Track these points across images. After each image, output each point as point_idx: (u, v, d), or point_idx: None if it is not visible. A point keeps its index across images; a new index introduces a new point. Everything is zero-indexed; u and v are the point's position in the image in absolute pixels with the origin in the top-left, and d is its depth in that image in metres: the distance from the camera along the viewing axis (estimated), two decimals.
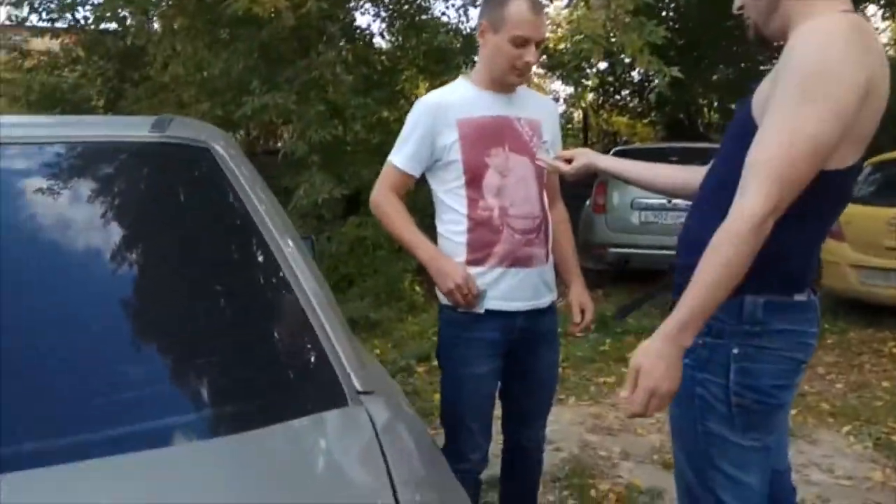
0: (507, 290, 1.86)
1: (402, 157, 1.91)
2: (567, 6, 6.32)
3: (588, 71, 7.66)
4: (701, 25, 9.69)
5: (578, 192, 7.89)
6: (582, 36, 5.12)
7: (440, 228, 1.92)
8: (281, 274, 0.96)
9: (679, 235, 1.43)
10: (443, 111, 1.85)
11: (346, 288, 5.77)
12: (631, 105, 13.40)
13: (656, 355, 1.22)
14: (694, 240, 1.30)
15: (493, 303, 1.85)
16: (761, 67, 11.58)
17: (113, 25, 6.65)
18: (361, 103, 5.55)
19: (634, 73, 11.41)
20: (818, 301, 1.40)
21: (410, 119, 1.90)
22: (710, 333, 1.32)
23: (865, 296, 5.44)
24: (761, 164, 1.18)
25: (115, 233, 1.01)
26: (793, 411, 3.63)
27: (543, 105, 2.00)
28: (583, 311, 2.01)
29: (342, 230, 5.73)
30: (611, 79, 12.26)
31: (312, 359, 0.89)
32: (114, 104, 6.62)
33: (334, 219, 5.96)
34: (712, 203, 1.30)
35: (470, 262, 1.85)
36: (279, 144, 7.06)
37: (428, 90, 4.21)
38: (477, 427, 1.91)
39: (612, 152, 7.68)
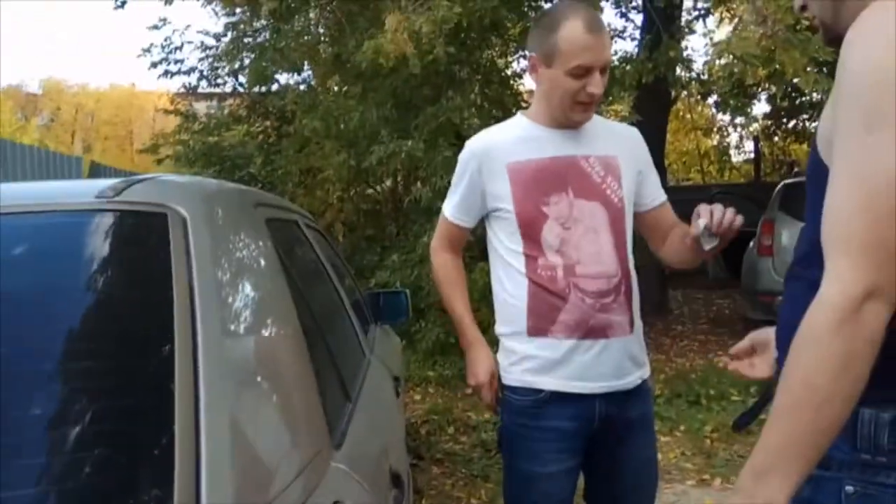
0: (580, 369, 1.52)
1: (450, 206, 1.69)
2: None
3: (755, 96, 6.92)
4: None
5: (743, 234, 7.09)
6: (732, 58, 4.55)
7: (497, 289, 1.64)
8: (162, 370, 0.76)
9: (778, 324, 1.03)
10: (491, 155, 1.59)
11: None
12: (811, 131, 11.99)
13: None
14: (784, 326, 0.91)
15: (563, 383, 1.52)
16: None
17: (274, 86, 7.23)
18: None
19: (814, 94, 10.20)
20: None
21: (459, 164, 1.66)
22: None
23: None
24: (834, 229, 0.81)
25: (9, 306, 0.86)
26: None
27: (620, 136, 1.66)
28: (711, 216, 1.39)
29: (473, 276, 5.54)
30: (785, 103, 11.07)
31: (154, 480, 0.66)
32: (271, 160, 7.07)
33: (471, 263, 5.81)
34: (801, 275, 0.92)
35: (532, 333, 1.55)
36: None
37: None
38: None
39: (780, 186, 6.83)
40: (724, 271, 8.29)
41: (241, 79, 7.12)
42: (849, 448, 0.88)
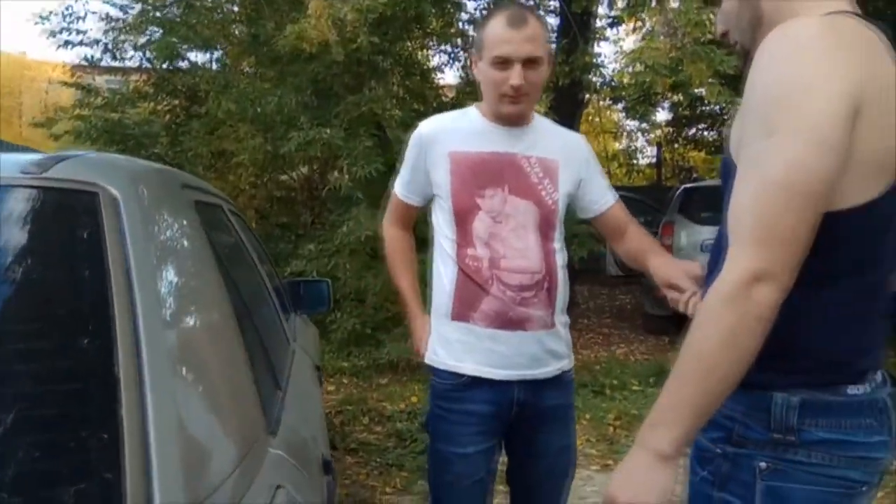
0: (497, 356, 1.58)
1: (399, 183, 1.74)
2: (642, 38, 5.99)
3: (660, 104, 7.31)
4: None
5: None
6: (642, 67, 4.79)
7: (434, 273, 1.67)
8: (104, 356, 0.73)
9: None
10: (437, 141, 1.63)
11: (393, 327, 5.56)
12: (708, 139, 12.76)
13: (626, 466, 0.98)
14: None
15: (481, 369, 1.58)
16: None
17: (185, 64, 6.89)
18: None
19: (715, 105, 10.87)
20: (893, 394, 1.05)
21: (409, 144, 1.70)
22: (730, 441, 1.01)
23: None
24: (736, 220, 0.92)
25: None
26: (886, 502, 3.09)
27: (566, 142, 1.72)
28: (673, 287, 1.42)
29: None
30: (687, 112, 11.72)
31: (103, 468, 0.64)
32: (179, 140, 6.76)
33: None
34: (711, 268, 1.02)
35: (455, 317, 1.61)
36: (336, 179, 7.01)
37: None
38: None
39: (679, 190, 7.23)
40: (619, 270, 8.69)
41: (149, 54, 6.75)
42: (762, 429, 0.98)
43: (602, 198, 1.72)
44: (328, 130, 5.24)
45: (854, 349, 1.00)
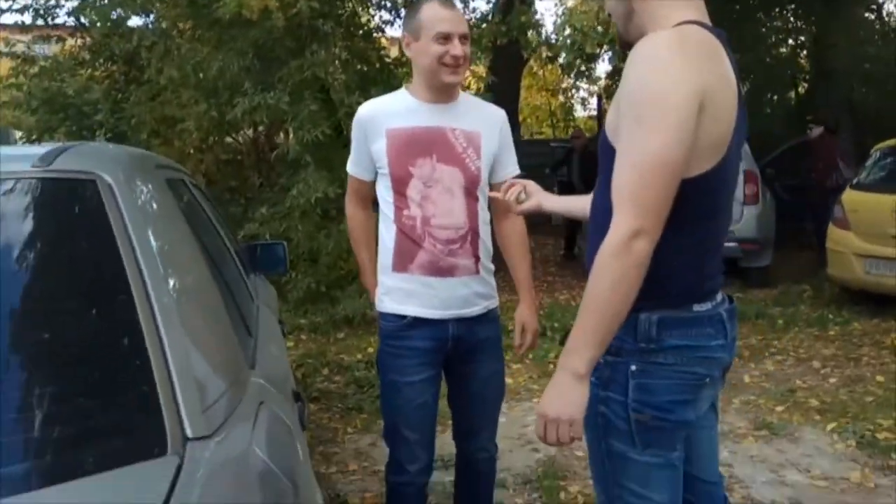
0: (434, 299, 1.87)
1: (350, 162, 2.00)
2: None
3: (599, 57, 7.58)
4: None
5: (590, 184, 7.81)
6: (573, 29, 5.04)
7: (379, 234, 1.94)
8: (128, 311, 0.97)
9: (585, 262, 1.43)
10: (374, 121, 1.89)
11: (347, 285, 5.80)
12: None
13: (551, 385, 1.26)
14: (590, 259, 1.29)
15: (421, 310, 1.87)
16: (781, 49, 11.31)
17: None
18: (356, 101, 5.53)
19: None
20: (732, 308, 1.38)
21: (352, 127, 1.96)
22: (610, 352, 1.31)
23: (872, 286, 5.30)
24: (618, 190, 1.20)
25: None
26: (779, 408, 3.58)
27: (486, 116, 1.98)
28: (524, 331, 2.02)
29: (341, 227, 5.74)
30: (623, 64, 12.03)
31: (137, 404, 0.89)
32: (120, 107, 6.71)
33: (339, 215, 5.98)
34: (596, 228, 1.31)
35: (396, 269, 1.89)
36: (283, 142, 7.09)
37: None
38: (415, 438, 1.92)
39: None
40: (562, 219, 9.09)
41: (84, 19, 6.63)
42: (632, 340, 1.29)
43: (510, 169, 1.99)
44: (273, 95, 5.33)
45: (700, 277, 1.32)
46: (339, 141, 6.18)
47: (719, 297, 1.36)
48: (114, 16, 6.17)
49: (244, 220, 5.79)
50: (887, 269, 5.10)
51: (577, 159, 8.34)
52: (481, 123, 1.93)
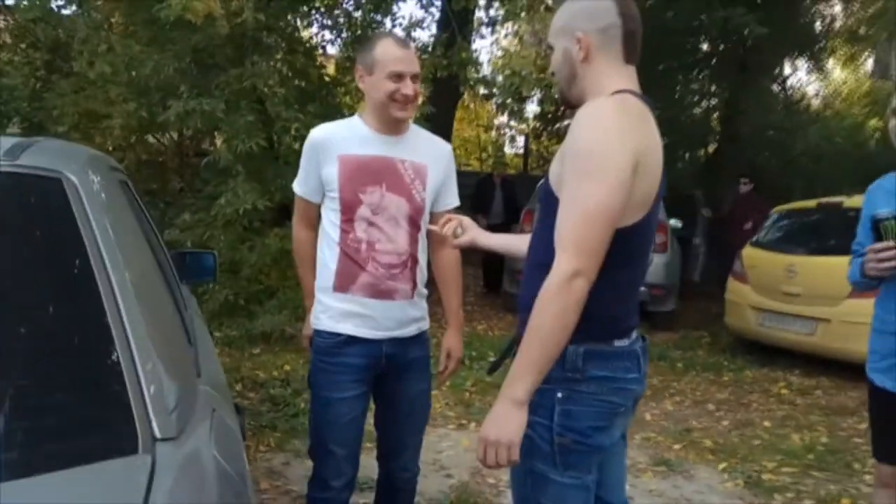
0: (370, 320, 1.94)
1: (298, 183, 2.04)
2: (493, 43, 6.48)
3: (529, 98, 7.89)
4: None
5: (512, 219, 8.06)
6: (511, 72, 5.28)
7: (319, 254, 1.99)
8: (98, 313, 0.99)
9: (519, 298, 1.54)
10: (327, 146, 1.95)
11: (266, 300, 5.72)
12: None
13: (492, 412, 1.36)
14: (526, 302, 1.40)
15: (357, 329, 1.94)
16: (696, 110, 12.16)
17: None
18: (293, 116, 5.54)
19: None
20: (645, 346, 1.53)
21: (304, 149, 2.01)
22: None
23: (764, 337, 5.74)
24: (561, 234, 1.33)
25: None
26: (676, 446, 3.81)
27: (434, 149, 2.08)
28: (449, 357, 2.12)
29: (266, 241, 5.68)
30: (552, 108, 12.55)
31: (108, 403, 0.91)
32: (39, 96, 6.40)
33: (264, 228, 5.91)
34: (534, 266, 1.43)
35: (337, 290, 1.95)
36: (212, 148, 6.94)
37: None
38: (343, 453, 1.96)
39: (542, 180, 7.87)
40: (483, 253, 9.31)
41: (8, 1, 6.32)
42: (560, 369, 1.40)
43: (450, 200, 2.10)
44: (209, 101, 5.26)
45: (622, 315, 1.46)
46: (272, 153, 6.15)
47: (635, 334, 1.51)
48: (53, 4, 5.90)
49: (163, 225, 5.62)
50: (778, 323, 5.55)
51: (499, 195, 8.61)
52: (429, 156, 2.03)
